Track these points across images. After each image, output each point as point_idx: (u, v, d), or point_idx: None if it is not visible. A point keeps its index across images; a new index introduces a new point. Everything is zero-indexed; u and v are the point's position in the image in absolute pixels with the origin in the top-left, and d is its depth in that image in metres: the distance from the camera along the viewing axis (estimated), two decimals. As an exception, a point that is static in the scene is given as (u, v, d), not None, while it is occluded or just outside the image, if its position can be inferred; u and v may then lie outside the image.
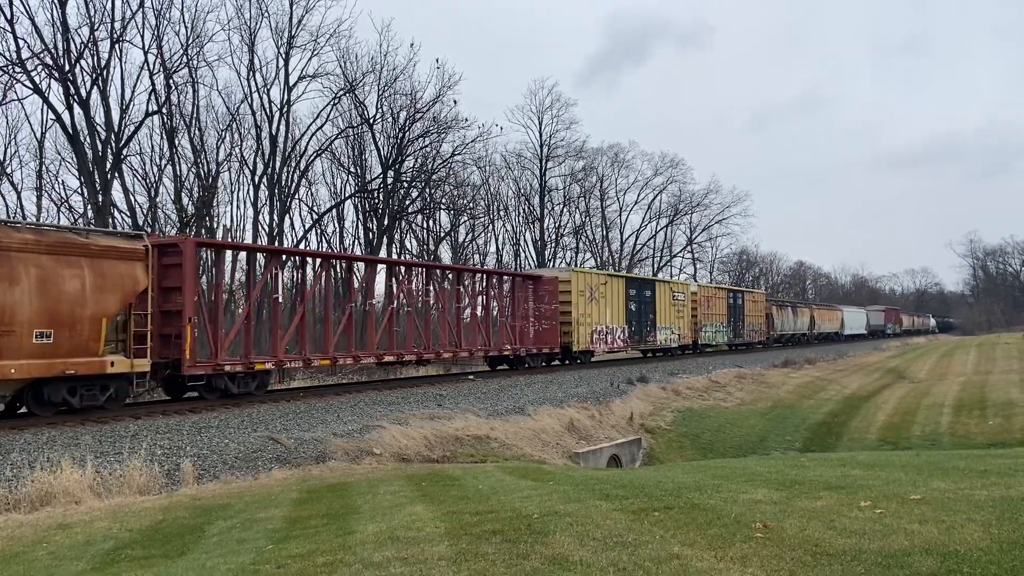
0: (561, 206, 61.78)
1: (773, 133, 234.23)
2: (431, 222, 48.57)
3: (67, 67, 28.64)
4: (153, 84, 31.87)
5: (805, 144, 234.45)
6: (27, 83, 28.76)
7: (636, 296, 32.95)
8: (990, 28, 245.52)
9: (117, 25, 29.97)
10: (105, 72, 29.99)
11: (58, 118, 29.47)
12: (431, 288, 23.35)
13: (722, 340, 42.98)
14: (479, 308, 25.82)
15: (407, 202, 42.75)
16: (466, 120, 42.56)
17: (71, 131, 29.12)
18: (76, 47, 29.16)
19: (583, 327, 28.51)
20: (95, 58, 29.78)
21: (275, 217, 36.24)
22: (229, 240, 32.15)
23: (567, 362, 29.78)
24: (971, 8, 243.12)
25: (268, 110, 36.26)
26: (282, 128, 36.77)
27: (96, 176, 29.51)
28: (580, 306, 28.26)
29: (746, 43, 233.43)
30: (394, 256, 40.88)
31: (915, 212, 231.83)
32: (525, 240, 59.57)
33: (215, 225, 35.86)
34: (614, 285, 31.48)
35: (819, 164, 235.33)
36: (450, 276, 26.72)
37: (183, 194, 34.26)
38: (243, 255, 23.34)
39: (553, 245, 60.35)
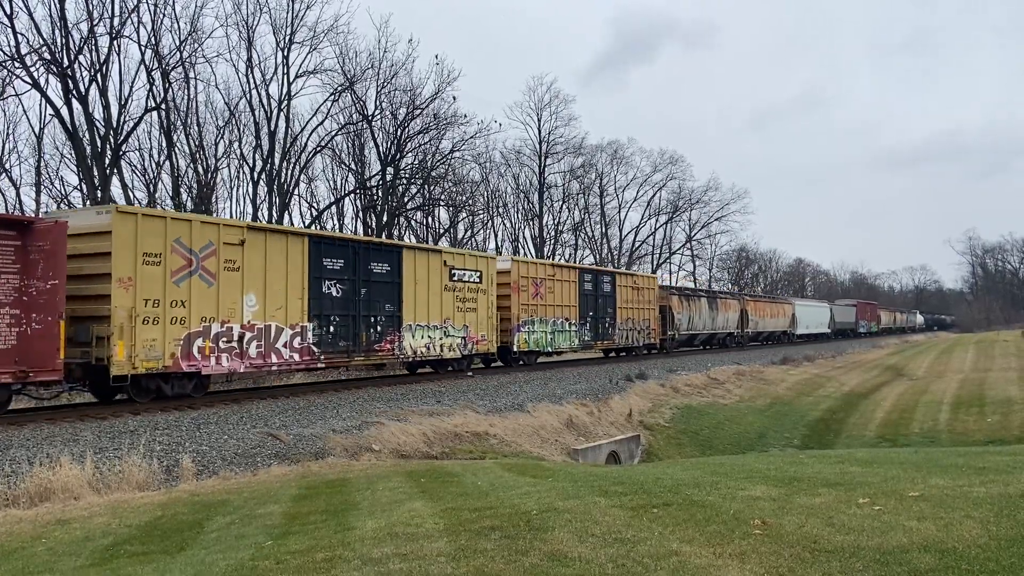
0: (560, 203, 61.82)
1: (773, 132, 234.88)
2: (430, 218, 48.62)
3: (66, 62, 28.58)
4: (151, 80, 31.84)
5: (805, 143, 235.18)
6: (26, 78, 28.72)
7: (344, 272, 18.36)
8: (990, 27, 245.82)
9: (116, 20, 29.92)
10: (104, 68, 29.95)
11: (57, 113, 29.43)
12: None
13: (569, 344, 28.26)
14: None
15: (406, 198, 42.75)
16: (464, 116, 42.51)
17: (70, 127, 29.07)
18: (75, 42, 29.11)
19: (158, 327, 14.46)
20: (94, 53, 29.75)
21: (274, 213, 36.22)
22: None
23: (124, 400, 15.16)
24: (971, 7, 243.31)
25: (267, 106, 36.23)
26: (281, 124, 36.77)
27: (95, 172, 29.47)
28: (148, 284, 14.34)
29: (748, 43, 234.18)
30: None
31: (915, 210, 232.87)
32: (524, 237, 59.64)
33: (214, 221, 35.77)
34: (271, 248, 16.84)
35: (819, 163, 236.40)
36: None
37: (182, 190, 34.24)
38: None
39: (552, 242, 60.36)
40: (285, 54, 36.02)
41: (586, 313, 29.50)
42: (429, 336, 21.36)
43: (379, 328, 19.62)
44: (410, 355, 20.75)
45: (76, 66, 29.00)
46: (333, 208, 43.05)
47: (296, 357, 17.26)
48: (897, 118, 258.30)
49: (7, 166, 34.24)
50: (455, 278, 22.48)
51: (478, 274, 23.45)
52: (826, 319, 65.64)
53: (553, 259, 55.25)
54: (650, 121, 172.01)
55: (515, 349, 25.41)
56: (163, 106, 32.25)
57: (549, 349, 27.30)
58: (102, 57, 29.81)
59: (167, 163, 33.97)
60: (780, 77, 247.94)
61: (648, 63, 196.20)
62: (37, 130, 33.46)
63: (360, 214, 42.28)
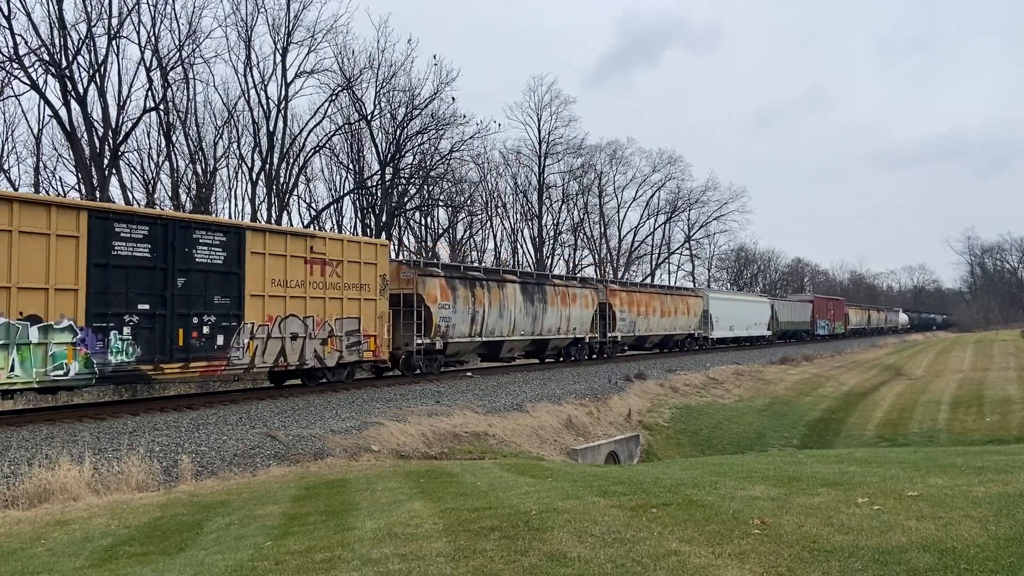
0: (560, 203, 61.80)
1: (777, 131, 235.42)
2: (429, 219, 48.60)
3: (64, 63, 28.55)
4: (150, 80, 31.82)
5: (806, 143, 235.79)
6: (24, 79, 28.69)
7: None
8: (993, 27, 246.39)
9: (114, 21, 29.89)
10: (102, 68, 29.92)
11: (55, 114, 29.39)
12: None
13: (37, 372, 12.32)
14: None
15: (405, 199, 42.75)
16: (464, 116, 42.51)
17: (68, 127, 29.03)
18: (73, 43, 29.08)
19: None
20: (92, 54, 29.72)
21: (273, 213, 36.19)
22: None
23: None
24: (973, 8, 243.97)
25: (265, 106, 36.21)
26: (279, 124, 36.74)
27: (94, 172, 29.44)
28: None
29: (753, 43, 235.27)
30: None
31: (914, 210, 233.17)
32: (523, 237, 59.60)
33: (213, 221, 35.73)
34: None
35: (819, 163, 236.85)
36: None
37: (180, 190, 34.22)
38: None
39: (551, 242, 60.33)
40: (283, 55, 36.05)
41: (128, 304, 14.11)
42: None
43: None
44: None
45: (74, 66, 28.99)
46: (332, 208, 43.05)
47: None
48: (897, 118, 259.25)
49: (6, 167, 34.21)
50: None
51: None
52: (764, 318, 50.96)
53: (553, 260, 55.05)
54: (655, 121, 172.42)
55: None
56: (162, 106, 32.24)
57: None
58: (100, 57, 29.81)
59: (166, 163, 33.98)
60: (783, 77, 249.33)
61: (653, 63, 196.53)
62: (36, 131, 33.45)
63: (359, 214, 42.28)
